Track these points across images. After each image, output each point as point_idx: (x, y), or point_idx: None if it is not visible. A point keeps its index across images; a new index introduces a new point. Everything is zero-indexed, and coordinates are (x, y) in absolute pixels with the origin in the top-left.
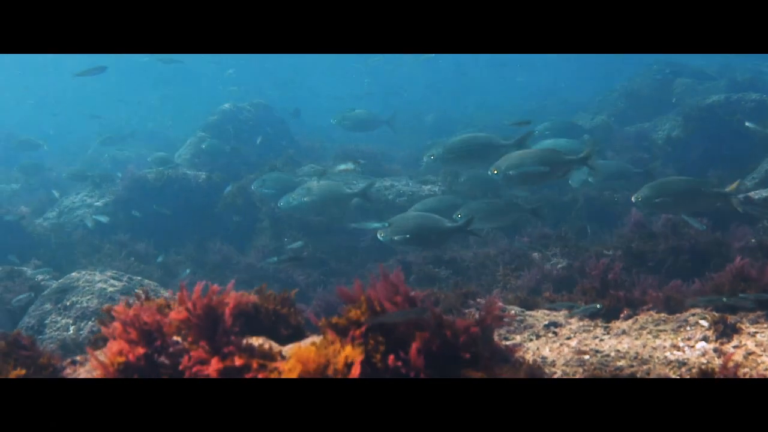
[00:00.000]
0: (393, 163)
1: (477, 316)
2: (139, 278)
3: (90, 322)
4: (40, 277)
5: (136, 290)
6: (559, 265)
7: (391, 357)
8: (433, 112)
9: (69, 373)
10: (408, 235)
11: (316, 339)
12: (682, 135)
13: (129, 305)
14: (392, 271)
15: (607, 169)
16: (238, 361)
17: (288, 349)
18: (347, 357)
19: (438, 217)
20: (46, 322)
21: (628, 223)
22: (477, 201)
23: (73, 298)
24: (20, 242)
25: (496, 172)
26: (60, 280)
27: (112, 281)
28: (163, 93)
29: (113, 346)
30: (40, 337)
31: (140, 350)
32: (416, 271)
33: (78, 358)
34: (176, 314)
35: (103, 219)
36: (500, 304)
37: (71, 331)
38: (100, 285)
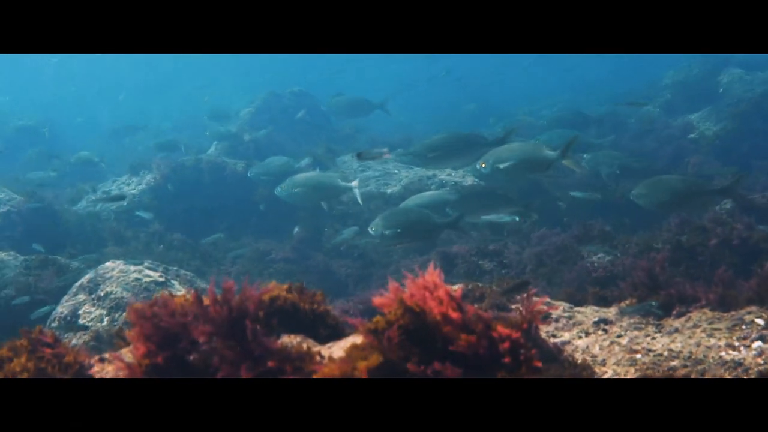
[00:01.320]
0: None
1: (520, 316)
2: (176, 268)
3: (124, 313)
4: (74, 265)
5: (171, 281)
6: (606, 259)
7: (411, 365)
8: (474, 102)
9: (97, 371)
10: (399, 230)
11: (357, 339)
12: (729, 127)
13: (148, 307)
14: (434, 263)
15: (608, 161)
16: (270, 364)
17: (327, 350)
18: (366, 367)
19: (428, 212)
20: (80, 312)
21: (671, 219)
22: (470, 195)
23: (108, 288)
24: (55, 230)
25: (484, 165)
26: (94, 270)
27: (147, 271)
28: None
29: (139, 347)
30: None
31: (167, 353)
32: (460, 263)
33: (106, 355)
34: (199, 333)
35: (146, 215)
36: (545, 298)
37: (105, 322)
38: (135, 275)
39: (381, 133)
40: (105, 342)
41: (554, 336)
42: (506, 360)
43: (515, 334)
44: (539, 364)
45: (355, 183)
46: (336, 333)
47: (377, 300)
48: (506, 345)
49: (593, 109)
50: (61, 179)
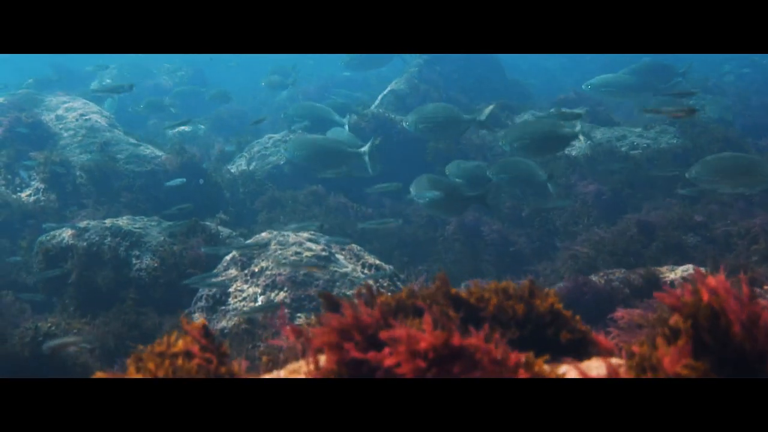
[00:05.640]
0: (617, 113)
1: None
2: (342, 240)
3: (282, 293)
4: (224, 233)
5: (336, 256)
6: None
7: None
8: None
9: None
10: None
11: (612, 361)
12: None
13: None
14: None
15: None
16: None
17: (569, 372)
18: None
19: (460, 183)
20: (230, 290)
21: None
22: (510, 159)
23: (263, 264)
24: (204, 191)
25: (503, 143)
26: (247, 241)
27: (308, 244)
28: None
29: (334, 353)
30: (223, 308)
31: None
32: (660, 236)
33: (282, 373)
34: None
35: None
36: None
37: (260, 303)
38: (294, 248)
39: (550, 93)
40: (258, 326)
41: None
42: None
43: None
44: None
45: (365, 149)
46: (578, 344)
47: (667, 298)
48: None
49: None
50: (209, 135)
